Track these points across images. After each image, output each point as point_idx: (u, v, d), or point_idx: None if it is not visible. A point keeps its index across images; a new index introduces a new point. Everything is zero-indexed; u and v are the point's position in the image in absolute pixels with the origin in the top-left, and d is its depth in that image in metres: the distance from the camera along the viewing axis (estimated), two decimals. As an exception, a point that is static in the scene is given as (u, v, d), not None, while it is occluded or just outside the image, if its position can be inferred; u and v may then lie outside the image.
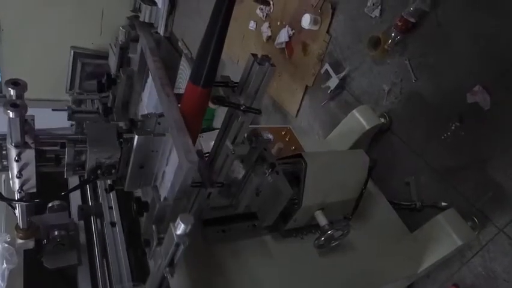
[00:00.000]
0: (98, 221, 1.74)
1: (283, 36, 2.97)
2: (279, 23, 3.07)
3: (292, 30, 2.92)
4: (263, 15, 3.23)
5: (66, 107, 1.55)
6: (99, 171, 1.03)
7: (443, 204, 2.00)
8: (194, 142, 1.12)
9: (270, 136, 1.95)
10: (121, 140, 1.04)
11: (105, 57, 5.35)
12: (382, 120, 2.22)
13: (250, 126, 1.27)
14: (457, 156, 1.92)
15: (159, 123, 1.07)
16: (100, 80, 1.48)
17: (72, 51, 5.20)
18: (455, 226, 1.71)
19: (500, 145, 1.73)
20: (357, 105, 2.41)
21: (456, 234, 1.68)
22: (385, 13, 2.22)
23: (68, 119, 1.57)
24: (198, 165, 0.99)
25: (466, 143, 1.87)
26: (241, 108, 1.09)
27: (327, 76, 2.58)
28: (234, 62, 3.69)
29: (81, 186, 1.48)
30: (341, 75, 2.48)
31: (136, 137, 1.00)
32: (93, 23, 5.28)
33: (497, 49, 1.73)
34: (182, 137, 1.00)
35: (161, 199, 1.10)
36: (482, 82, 1.78)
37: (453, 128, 1.91)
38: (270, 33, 3.17)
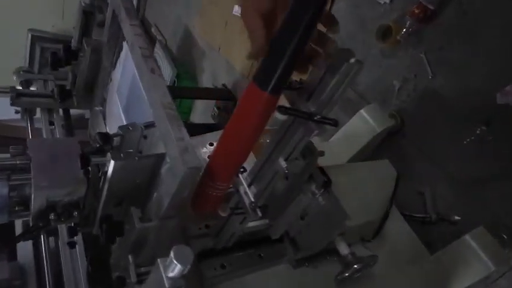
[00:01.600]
0: (52, 239, 1.33)
1: (274, 23, 2.65)
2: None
3: (284, 17, 2.60)
4: None
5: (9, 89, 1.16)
6: (52, 215, 0.65)
7: (456, 218, 1.77)
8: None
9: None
10: (88, 167, 0.67)
11: (67, 42, 4.82)
12: (393, 121, 1.95)
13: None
14: (482, 164, 1.67)
15: (145, 137, 0.71)
16: (54, 52, 1.10)
17: (29, 35, 4.63)
18: (487, 248, 1.45)
19: (537, 154, 1.50)
20: (360, 102, 2.13)
21: (488, 257, 1.43)
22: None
23: (12, 104, 1.18)
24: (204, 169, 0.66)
25: (492, 149, 1.63)
26: (315, 118, 0.76)
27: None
28: (214, 49, 3.33)
29: (21, 239, 0.98)
30: (343, 68, 2.18)
31: (112, 163, 0.64)
32: (54, 4, 4.75)
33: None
34: (176, 129, 0.65)
35: (142, 219, 0.74)
36: (517, 80, 1.53)
37: (478, 132, 1.66)
38: (258, 20, 2.84)
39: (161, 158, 0.69)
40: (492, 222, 1.62)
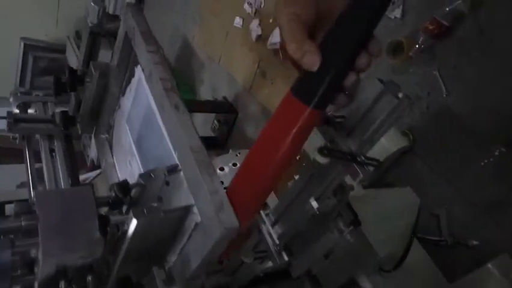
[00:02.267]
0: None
1: (277, 36, 2.58)
2: (271, 21, 2.68)
3: (288, 29, 2.54)
4: (252, 11, 2.82)
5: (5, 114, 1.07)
6: (62, 283, 0.55)
7: (474, 242, 1.70)
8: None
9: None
10: (107, 228, 0.58)
11: (61, 51, 4.71)
12: (406, 141, 1.89)
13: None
14: (501, 188, 1.61)
15: (168, 184, 0.62)
16: (58, 77, 1.00)
17: (22, 43, 4.52)
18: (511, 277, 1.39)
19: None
20: (369, 120, 2.07)
21: (513, 287, 1.36)
22: (408, 14, 1.90)
23: (8, 131, 1.08)
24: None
25: (513, 173, 1.57)
26: (359, 160, 0.68)
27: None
28: (214, 61, 3.25)
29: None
30: (352, 84, 2.12)
31: (134, 221, 0.55)
32: (48, 13, 4.65)
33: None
34: (208, 179, 0.57)
35: (166, 282, 0.65)
36: (538, 101, 1.48)
37: (497, 153, 1.60)
38: (260, 32, 2.77)
39: (188, 210, 0.60)
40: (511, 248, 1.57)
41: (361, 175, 0.72)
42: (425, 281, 1.49)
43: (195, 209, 0.61)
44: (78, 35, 4.72)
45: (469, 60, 1.69)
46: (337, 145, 0.75)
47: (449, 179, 1.76)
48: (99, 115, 1.04)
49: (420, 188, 1.87)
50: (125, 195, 0.59)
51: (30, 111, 1.20)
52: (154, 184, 0.62)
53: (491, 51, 1.61)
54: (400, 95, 0.70)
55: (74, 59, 4.45)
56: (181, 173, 0.64)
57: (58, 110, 1.14)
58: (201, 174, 0.57)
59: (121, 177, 1.02)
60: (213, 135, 3.22)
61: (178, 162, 0.65)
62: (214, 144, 3.13)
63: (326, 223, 0.99)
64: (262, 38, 2.75)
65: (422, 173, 1.86)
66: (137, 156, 0.89)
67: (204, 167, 0.58)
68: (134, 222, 0.55)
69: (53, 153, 1.12)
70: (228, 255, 0.86)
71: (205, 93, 3.43)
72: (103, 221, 0.57)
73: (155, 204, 0.60)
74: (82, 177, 3.17)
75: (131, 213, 0.55)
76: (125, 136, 0.96)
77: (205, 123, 3.36)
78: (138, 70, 0.85)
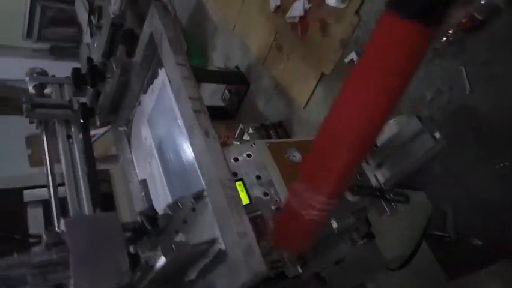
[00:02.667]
0: None
1: (297, 9, 2.46)
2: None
3: (309, 3, 2.42)
4: (272, -21, 2.67)
5: (23, 98, 1.04)
6: None
7: (478, 242, 1.73)
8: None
9: (298, 155, 1.53)
10: (137, 265, 0.57)
11: (70, 1, 4.54)
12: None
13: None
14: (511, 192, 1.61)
15: (194, 210, 0.61)
16: (77, 69, 0.97)
17: (30, -8, 4.35)
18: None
19: None
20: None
21: (513, 294, 1.40)
22: (440, 1, 1.79)
23: (26, 116, 1.07)
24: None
25: (527, 180, 1.56)
26: (388, 197, 0.67)
27: (353, 67, 2.15)
28: (228, 27, 3.14)
29: None
30: (371, 69, 2.05)
31: (163, 259, 0.55)
32: (55, -42, 4.43)
33: None
34: (238, 218, 0.56)
35: None
36: None
37: (513, 158, 1.58)
38: (279, 3, 2.64)
39: (213, 243, 0.60)
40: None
41: (388, 212, 0.71)
42: (426, 277, 1.53)
43: (220, 239, 0.61)
44: (87, -14, 4.52)
45: (500, 58, 1.62)
46: (366, 176, 0.73)
47: (460, 178, 1.76)
48: (118, 108, 1.02)
49: (431, 183, 1.87)
50: (152, 227, 0.59)
51: (46, 91, 1.17)
52: (180, 212, 0.61)
53: (524, 52, 1.54)
54: (437, 135, 0.68)
55: (82, 10, 4.30)
56: (207, 199, 0.64)
57: (75, 94, 1.11)
58: (230, 212, 0.56)
59: (140, 176, 1.02)
60: (222, 104, 3.18)
61: (205, 189, 0.64)
62: (224, 115, 3.10)
63: (342, 235, 1.00)
64: (281, 9, 2.63)
65: (435, 168, 1.85)
66: (159, 164, 0.88)
67: (233, 203, 0.57)
68: (162, 259, 0.55)
69: (70, 140, 1.11)
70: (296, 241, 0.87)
71: (217, 60, 3.34)
72: (133, 258, 0.57)
73: (181, 235, 0.60)
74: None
75: (159, 250, 0.55)
76: (145, 135, 0.94)
77: (215, 91, 3.30)
78: (162, 73, 0.82)
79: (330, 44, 2.31)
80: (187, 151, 0.73)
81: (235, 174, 1.34)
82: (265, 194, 1.34)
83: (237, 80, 2.95)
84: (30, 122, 1.08)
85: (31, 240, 0.60)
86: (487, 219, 1.68)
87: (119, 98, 0.99)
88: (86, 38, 4.66)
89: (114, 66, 0.89)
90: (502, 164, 1.61)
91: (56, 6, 4.49)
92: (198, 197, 0.63)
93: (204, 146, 0.62)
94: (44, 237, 0.54)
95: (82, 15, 4.43)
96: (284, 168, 1.47)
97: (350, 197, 0.70)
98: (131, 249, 0.58)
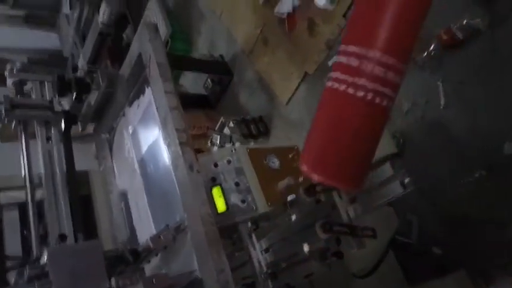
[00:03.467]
0: None
1: (286, 5, 2.45)
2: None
3: (299, 0, 2.41)
4: (263, -30, 2.63)
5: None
6: None
7: (438, 251, 1.84)
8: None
9: (276, 161, 1.56)
10: None
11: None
12: (393, 141, 1.93)
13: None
14: (475, 208, 1.71)
15: (174, 239, 0.64)
16: (61, 76, 0.95)
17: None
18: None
19: (531, 212, 1.54)
20: (365, 114, 2.08)
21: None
22: (425, 15, 1.83)
23: (5, 117, 1.05)
24: None
25: (489, 197, 1.65)
26: (358, 234, 0.71)
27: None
28: (215, 14, 3.09)
29: None
30: (354, 75, 2.09)
31: None
32: None
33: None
34: (216, 257, 0.60)
35: None
36: (530, 135, 1.52)
37: (477, 175, 1.68)
38: (268, -4, 2.62)
39: (193, 275, 0.64)
40: (472, 265, 1.70)
41: (355, 248, 0.76)
42: (389, 283, 1.63)
43: (198, 272, 0.64)
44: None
45: (474, 79, 1.68)
46: (338, 211, 0.78)
47: (428, 189, 1.85)
48: (102, 117, 1.02)
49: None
50: (134, 260, 0.62)
51: (26, 87, 1.14)
52: (161, 243, 0.64)
53: (501, 74, 1.61)
54: (407, 181, 0.73)
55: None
56: (188, 230, 0.66)
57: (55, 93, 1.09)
58: (209, 249, 0.60)
59: (120, 187, 1.03)
60: (204, 93, 3.16)
61: (186, 222, 0.66)
62: (205, 103, 3.08)
63: (312, 253, 1.05)
64: (270, 3, 2.61)
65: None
66: (141, 180, 0.89)
67: (212, 241, 0.61)
68: (144, 296, 0.58)
69: (50, 141, 1.10)
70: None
71: (201, 46, 3.30)
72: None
73: (158, 258, 0.63)
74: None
75: (141, 284, 0.58)
76: (128, 148, 0.95)
77: (198, 78, 3.27)
78: (149, 92, 0.82)
79: (316, 44, 2.33)
80: (170, 175, 0.75)
81: (214, 179, 1.36)
82: (243, 201, 1.38)
83: (220, 70, 2.93)
84: (8, 122, 1.06)
85: (8, 263, 0.61)
86: (449, 230, 1.79)
87: (104, 107, 0.98)
88: (65, 9, 4.47)
89: (100, 80, 0.89)
90: (466, 180, 1.70)
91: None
92: (179, 229, 0.66)
93: (187, 180, 0.64)
94: (27, 270, 0.55)
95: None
96: (263, 174, 1.51)
97: (321, 234, 0.75)
98: (113, 282, 0.60)
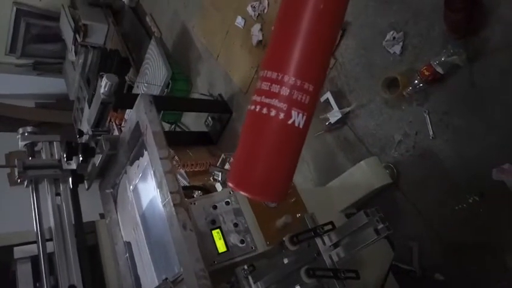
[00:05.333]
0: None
1: (278, 45, 2.58)
2: (273, 28, 2.67)
3: (289, 40, 2.55)
4: (254, 14, 2.80)
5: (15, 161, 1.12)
6: None
7: (440, 277, 1.87)
8: None
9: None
10: None
11: (55, 18, 4.58)
12: (387, 171, 2.00)
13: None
14: (470, 233, 1.76)
15: None
16: (69, 142, 1.05)
17: (14, 8, 4.37)
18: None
19: (525, 237, 1.58)
20: (358, 146, 2.16)
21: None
22: (407, 52, 1.94)
23: (18, 178, 1.14)
24: None
25: (483, 222, 1.70)
26: (339, 275, 0.78)
27: (327, 106, 2.29)
28: (213, 56, 3.24)
29: None
30: (346, 110, 2.19)
31: None
32: (43, -23, 4.48)
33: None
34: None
35: None
36: (514, 162, 1.59)
37: (470, 201, 1.73)
38: (261, 38, 2.77)
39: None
40: (472, 288, 1.73)
41: (338, 290, 0.82)
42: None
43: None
44: (73, 4, 4.57)
45: (457, 111, 1.77)
46: (322, 257, 0.84)
47: (426, 216, 1.90)
48: (105, 174, 1.11)
49: (398, 219, 2.01)
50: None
51: (36, 149, 1.25)
52: (161, 297, 0.71)
53: (480, 106, 1.69)
54: (380, 227, 0.79)
55: (67, 27, 4.34)
56: (184, 282, 0.74)
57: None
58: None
59: (125, 237, 1.11)
60: (205, 130, 3.28)
61: (182, 275, 0.74)
62: (207, 140, 3.19)
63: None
64: (263, 44, 2.75)
65: (402, 206, 1.99)
66: (143, 234, 0.97)
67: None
68: None
69: (59, 197, 1.19)
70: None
71: (201, 86, 3.44)
72: None
73: None
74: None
75: None
76: (130, 203, 1.03)
77: (199, 116, 3.40)
78: (147, 155, 0.91)
79: (308, 82, 2.43)
80: (168, 230, 0.82)
81: (213, 222, 1.43)
82: (242, 242, 1.45)
83: (220, 109, 3.05)
84: (21, 183, 1.16)
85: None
86: (448, 257, 1.82)
87: (107, 167, 1.08)
88: (71, 56, 4.70)
89: (104, 145, 0.98)
90: (460, 206, 1.75)
91: (41, 23, 4.52)
92: (176, 281, 0.73)
93: (181, 238, 0.72)
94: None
95: (67, 33, 4.47)
96: (261, 213, 1.58)
97: (306, 279, 0.81)
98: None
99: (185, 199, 1.24)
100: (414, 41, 1.90)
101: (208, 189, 2.79)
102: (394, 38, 1.97)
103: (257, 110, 0.78)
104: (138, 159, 0.98)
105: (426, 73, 1.79)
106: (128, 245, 1.08)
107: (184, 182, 2.75)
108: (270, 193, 0.79)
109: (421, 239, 1.92)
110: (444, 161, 1.82)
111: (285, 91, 0.76)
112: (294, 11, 0.76)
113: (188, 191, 2.72)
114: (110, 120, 2.20)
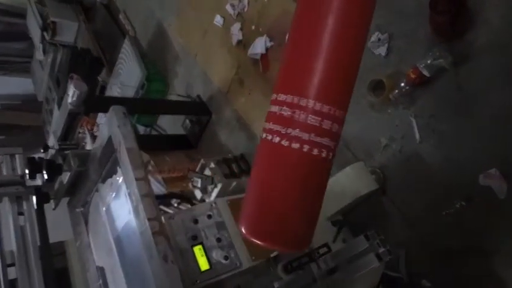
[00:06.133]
0: None
1: (259, 46, 2.51)
2: (253, 28, 2.59)
3: (271, 41, 2.47)
4: (234, 13, 2.70)
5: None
6: None
7: (427, 284, 1.84)
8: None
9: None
10: None
11: (21, 15, 4.33)
12: (374, 176, 1.95)
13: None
14: (458, 238, 1.73)
15: None
16: (31, 158, 0.93)
17: (-25, 3, 4.10)
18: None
19: (512, 242, 1.56)
20: (344, 150, 2.10)
21: None
22: (392, 54, 1.90)
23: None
24: None
25: (470, 227, 1.68)
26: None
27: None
28: (190, 55, 3.13)
29: None
30: (330, 113, 2.12)
31: None
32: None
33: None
34: None
35: None
36: (501, 167, 1.57)
37: (458, 206, 1.70)
38: (241, 37, 2.68)
39: None
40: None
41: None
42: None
43: None
44: (41, 0, 4.33)
45: (443, 114, 1.74)
46: (318, 284, 0.77)
47: (412, 221, 1.86)
48: (75, 193, 0.99)
49: (385, 225, 1.97)
50: None
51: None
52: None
53: (467, 110, 1.66)
54: (381, 250, 0.73)
55: (34, 25, 4.10)
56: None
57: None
58: None
59: (98, 264, 1.00)
60: (183, 133, 3.15)
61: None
62: (185, 144, 3.07)
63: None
64: (243, 44, 2.66)
65: (389, 211, 1.95)
66: (118, 259, 0.87)
67: None
68: None
69: (22, 216, 1.06)
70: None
71: (178, 87, 3.31)
72: None
73: None
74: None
75: None
76: (103, 225, 0.93)
77: (176, 118, 3.27)
78: (121, 172, 0.81)
79: (290, 84, 2.36)
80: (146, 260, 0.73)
81: (195, 237, 1.34)
82: (226, 258, 1.36)
83: (198, 111, 2.94)
84: (-22, 201, 1.03)
85: None
86: (436, 262, 1.79)
87: (76, 184, 0.96)
88: (39, 55, 4.45)
89: (72, 161, 0.87)
90: (447, 211, 1.72)
91: (6, 20, 4.26)
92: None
93: (162, 272, 0.62)
94: None
95: (35, 31, 4.23)
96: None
97: (284, 276, 0.73)
98: None
99: (165, 215, 1.14)
100: (399, 43, 1.86)
101: (187, 197, 2.67)
102: (379, 39, 1.93)
103: (274, 140, 0.66)
104: (111, 176, 0.88)
105: (413, 76, 1.74)
106: (101, 270, 0.97)
107: (161, 189, 2.62)
108: (292, 242, 0.66)
109: (408, 245, 1.88)
110: (431, 166, 1.79)
111: (309, 119, 0.64)
112: (319, 22, 0.65)
113: (165, 199, 2.60)
114: (82, 125, 2.06)
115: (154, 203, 0.70)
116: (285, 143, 0.65)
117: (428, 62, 1.69)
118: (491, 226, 1.63)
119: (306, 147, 0.65)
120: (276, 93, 0.71)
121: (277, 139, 0.67)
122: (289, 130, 0.65)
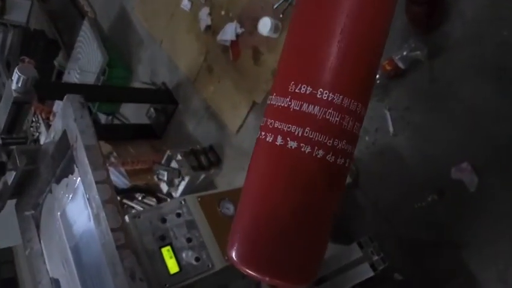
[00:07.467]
0: None
1: (229, 32, 2.39)
2: (223, 13, 2.47)
3: (241, 27, 2.36)
4: (203, -3, 2.56)
5: None
6: None
7: (399, 277, 1.84)
8: None
9: (231, 206, 1.48)
10: None
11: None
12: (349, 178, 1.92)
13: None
14: (429, 231, 1.74)
15: None
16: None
17: None
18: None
19: (483, 235, 1.58)
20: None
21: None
22: (367, 44, 1.85)
23: None
24: None
25: (441, 220, 1.69)
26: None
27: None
28: (155, 41, 2.95)
29: None
30: (303, 104, 2.07)
31: None
32: None
33: (498, 132, 1.53)
34: None
35: None
36: (473, 161, 1.57)
37: (429, 199, 1.70)
38: (209, 22, 2.54)
39: None
40: (429, 286, 1.72)
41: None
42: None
43: None
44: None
45: (418, 107, 1.72)
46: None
47: (386, 215, 1.85)
48: (23, 193, 0.86)
49: (358, 219, 1.95)
50: None
51: None
52: None
53: (440, 102, 1.66)
54: (375, 258, 0.67)
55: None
56: None
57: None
58: None
59: (52, 275, 0.87)
60: (148, 122, 2.99)
61: None
62: (150, 134, 2.91)
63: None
64: (212, 30, 2.53)
65: (362, 205, 1.93)
66: (75, 271, 0.76)
67: None
68: None
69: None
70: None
71: (142, 74, 3.13)
72: None
73: None
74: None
75: None
76: (58, 231, 0.81)
77: (139, 107, 3.09)
78: (78, 171, 0.70)
79: (261, 73, 2.28)
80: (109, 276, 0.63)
81: (163, 238, 1.24)
82: (197, 259, 1.27)
83: (164, 99, 2.79)
84: None
85: None
86: (408, 255, 1.80)
87: (25, 183, 0.83)
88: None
89: (17, 159, 0.74)
90: (420, 204, 1.72)
91: None
92: None
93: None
94: None
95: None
96: (217, 224, 1.41)
97: None
98: None
99: (129, 214, 1.03)
100: (375, 34, 1.81)
101: (152, 191, 2.54)
102: (354, 29, 1.87)
103: (277, 142, 0.51)
104: (67, 176, 0.76)
105: (388, 68, 1.71)
106: (55, 282, 0.85)
107: (124, 182, 2.48)
108: (295, 273, 0.52)
109: (380, 238, 1.87)
110: (404, 159, 1.78)
111: (327, 114, 0.52)
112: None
113: (129, 193, 2.46)
114: (35, 113, 1.88)
115: (119, 210, 0.60)
116: (292, 144, 0.51)
117: (404, 53, 1.66)
118: (462, 219, 1.64)
119: (320, 152, 0.51)
120: (281, 82, 0.58)
121: (280, 140, 0.53)
122: (300, 129, 0.51)
